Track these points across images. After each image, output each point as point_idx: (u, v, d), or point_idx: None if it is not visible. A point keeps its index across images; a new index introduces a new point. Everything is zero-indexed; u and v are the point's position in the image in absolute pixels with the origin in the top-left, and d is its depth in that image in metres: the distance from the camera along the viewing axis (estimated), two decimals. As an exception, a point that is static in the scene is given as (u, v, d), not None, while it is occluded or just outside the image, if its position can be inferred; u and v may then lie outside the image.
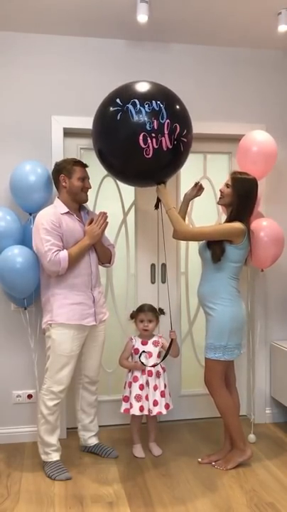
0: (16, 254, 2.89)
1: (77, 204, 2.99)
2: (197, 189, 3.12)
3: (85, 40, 3.37)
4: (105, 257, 3.07)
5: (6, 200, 3.19)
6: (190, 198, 3.14)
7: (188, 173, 3.64)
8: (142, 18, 2.97)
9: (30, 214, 3.07)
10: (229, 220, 2.91)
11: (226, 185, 2.91)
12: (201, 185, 3.12)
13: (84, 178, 2.95)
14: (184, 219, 3.10)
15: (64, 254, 2.78)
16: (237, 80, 3.58)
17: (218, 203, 3.04)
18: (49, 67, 3.33)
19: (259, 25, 3.24)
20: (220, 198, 2.96)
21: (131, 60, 3.42)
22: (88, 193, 3.01)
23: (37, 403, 2.98)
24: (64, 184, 2.92)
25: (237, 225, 2.84)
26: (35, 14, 3.07)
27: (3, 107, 3.29)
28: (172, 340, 3.07)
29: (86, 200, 3.01)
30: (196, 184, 3.12)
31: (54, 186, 3.04)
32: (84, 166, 2.98)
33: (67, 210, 2.90)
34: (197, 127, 3.41)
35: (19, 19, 3.13)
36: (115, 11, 3.04)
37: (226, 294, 2.88)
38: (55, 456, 2.91)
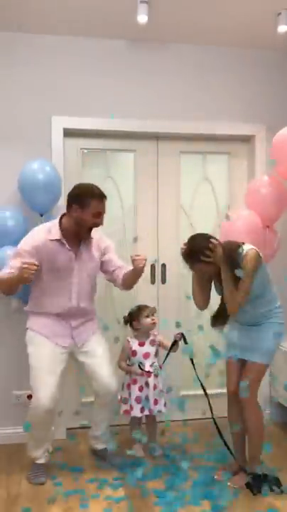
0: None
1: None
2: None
3: (85, 40, 3.37)
4: (133, 281, 2.87)
5: (5, 201, 3.20)
6: None
7: (188, 174, 3.65)
8: (142, 18, 2.97)
9: (41, 215, 3.04)
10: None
11: None
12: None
13: (100, 214, 2.70)
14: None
15: None
16: (237, 80, 3.58)
17: None
18: (49, 67, 3.33)
19: (259, 26, 3.24)
20: None
21: (131, 60, 3.42)
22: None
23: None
24: (75, 214, 2.68)
25: (255, 256, 2.54)
26: (35, 15, 3.07)
27: (3, 107, 3.29)
28: (175, 341, 3.01)
29: (87, 238, 2.78)
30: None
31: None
32: (103, 197, 2.71)
33: (58, 238, 2.70)
34: (197, 127, 3.43)
35: (20, 19, 3.13)
36: (115, 12, 3.04)
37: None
38: (41, 460, 2.83)
